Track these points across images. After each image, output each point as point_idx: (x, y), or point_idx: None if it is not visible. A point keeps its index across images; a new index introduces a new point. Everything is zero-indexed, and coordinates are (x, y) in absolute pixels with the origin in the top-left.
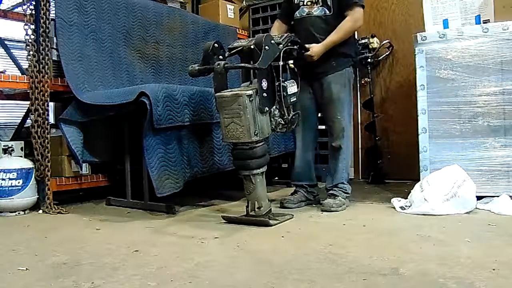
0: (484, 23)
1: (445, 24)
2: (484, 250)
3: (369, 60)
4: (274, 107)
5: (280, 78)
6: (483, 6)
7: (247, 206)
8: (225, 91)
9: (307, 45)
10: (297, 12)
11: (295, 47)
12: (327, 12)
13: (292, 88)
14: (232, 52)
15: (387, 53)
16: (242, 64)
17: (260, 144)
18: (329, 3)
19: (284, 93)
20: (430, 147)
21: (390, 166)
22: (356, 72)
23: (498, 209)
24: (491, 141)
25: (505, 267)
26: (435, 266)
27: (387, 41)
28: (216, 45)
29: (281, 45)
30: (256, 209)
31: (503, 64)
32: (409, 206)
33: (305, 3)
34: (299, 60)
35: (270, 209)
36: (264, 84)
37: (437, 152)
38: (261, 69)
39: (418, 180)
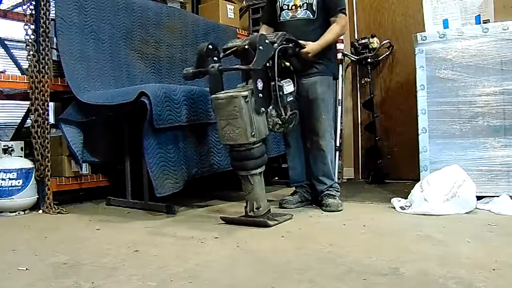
0: (484, 23)
1: (445, 24)
2: (484, 250)
3: (369, 60)
4: (271, 107)
5: (276, 78)
6: (483, 6)
7: (245, 207)
8: (220, 93)
9: (302, 42)
10: (280, 16)
11: (290, 45)
12: (311, 16)
13: (289, 87)
14: (226, 53)
15: (387, 53)
16: (236, 66)
17: (258, 145)
18: (313, 7)
19: (280, 93)
20: (430, 147)
21: (390, 166)
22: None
23: (498, 209)
24: (491, 141)
25: (505, 267)
26: (435, 266)
27: (387, 41)
28: (210, 46)
29: (276, 44)
30: (255, 210)
31: (503, 64)
32: (409, 206)
33: (289, 7)
34: (294, 57)
35: (269, 209)
36: (259, 84)
37: (437, 152)
38: (256, 70)
39: (418, 180)
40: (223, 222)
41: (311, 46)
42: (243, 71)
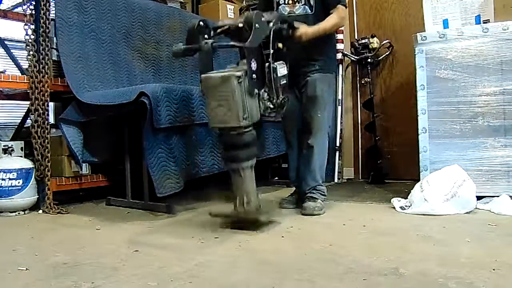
0: (484, 23)
1: (445, 24)
2: (484, 250)
3: (369, 60)
4: (263, 89)
5: (270, 59)
6: (483, 6)
7: (234, 203)
8: (212, 72)
9: (296, 24)
10: (277, 11)
11: (284, 26)
12: (309, 11)
13: (282, 70)
14: (218, 31)
15: (387, 53)
16: (231, 43)
17: (249, 129)
18: (311, 2)
19: (274, 75)
20: (430, 147)
21: (390, 166)
22: (354, 73)
23: (498, 209)
24: (491, 141)
25: (505, 267)
26: (435, 266)
27: (387, 41)
28: (201, 23)
29: (272, 23)
30: (245, 204)
31: (503, 64)
32: (409, 206)
33: (286, 2)
34: (288, 41)
35: (260, 204)
36: (254, 65)
37: (437, 152)
38: (251, 49)
39: (418, 180)
40: (212, 216)
41: (304, 29)
42: (240, 51)
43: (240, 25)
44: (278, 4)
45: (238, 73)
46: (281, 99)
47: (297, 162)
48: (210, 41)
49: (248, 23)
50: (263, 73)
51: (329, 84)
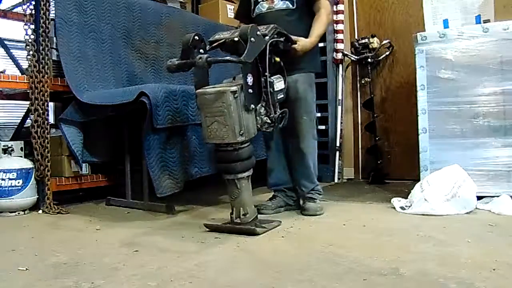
0: (484, 23)
1: (445, 24)
2: (484, 250)
3: (369, 60)
4: (260, 104)
5: (267, 73)
6: (483, 6)
7: (231, 213)
8: (207, 87)
9: (294, 37)
10: (256, 9)
11: (281, 39)
12: (290, 6)
13: (279, 84)
14: (213, 45)
15: (387, 53)
16: (227, 58)
17: (246, 145)
18: None
19: (271, 90)
20: (430, 147)
21: (390, 166)
22: (356, 72)
23: (498, 209)
24: (492, 141)
25: (505, 267)
26: (435, 266)
27: (387, 41)
28: (196, 37)
29: (267, 37)
30: (242, 216)
31: (503, 64)
32: (409, 206)
33: None
34: (284, 53)
35: (257, 215)
36: (250, 79)
37: (437, 152)
38: (247, 63)
39: (418, 180)
40: (207, 230)
41: (303, 43)
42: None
43: (236, 39)
44: (257, 2)
45: (234, 88)
46: (279, 113)
47: (276, 164)
48: (204, 56)
49: (244, 37)
50: (260, 88)
51: (310, 84)
